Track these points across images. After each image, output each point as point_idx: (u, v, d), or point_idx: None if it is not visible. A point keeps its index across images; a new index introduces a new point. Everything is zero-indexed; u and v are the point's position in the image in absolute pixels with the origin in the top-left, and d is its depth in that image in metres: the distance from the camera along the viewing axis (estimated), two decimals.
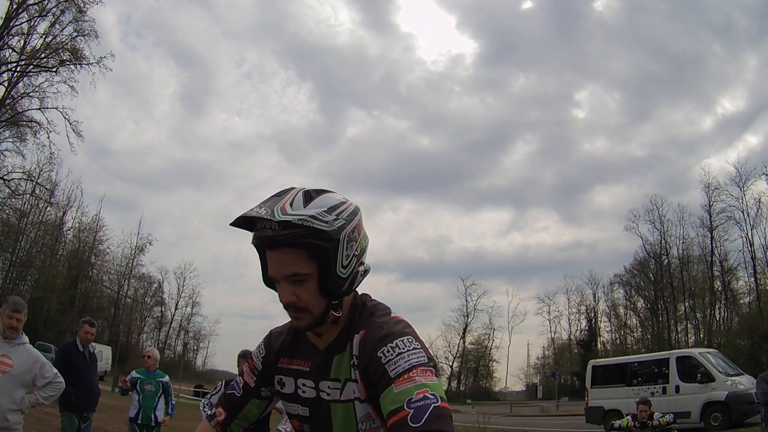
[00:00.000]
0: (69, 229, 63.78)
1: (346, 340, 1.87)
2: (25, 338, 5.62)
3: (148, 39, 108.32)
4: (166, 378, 9.48)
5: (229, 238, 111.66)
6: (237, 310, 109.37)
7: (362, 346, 1.80)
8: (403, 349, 1.70)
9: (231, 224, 1.82)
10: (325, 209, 1.73)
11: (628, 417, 9.94)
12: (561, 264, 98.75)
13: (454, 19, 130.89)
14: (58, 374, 5.82)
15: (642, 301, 62.10)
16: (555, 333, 71.48)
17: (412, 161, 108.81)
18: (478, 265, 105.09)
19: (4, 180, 39.87)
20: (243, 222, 1.80)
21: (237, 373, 7.68)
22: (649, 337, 58.86)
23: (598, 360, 25.61)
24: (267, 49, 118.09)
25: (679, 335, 56.34)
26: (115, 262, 67.29)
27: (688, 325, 57.69)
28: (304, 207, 1.71)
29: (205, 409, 7.42)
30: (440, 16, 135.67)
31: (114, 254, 67.06)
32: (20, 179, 41.16)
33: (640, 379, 20.31)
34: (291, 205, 1.71)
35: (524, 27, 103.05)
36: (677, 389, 18.73)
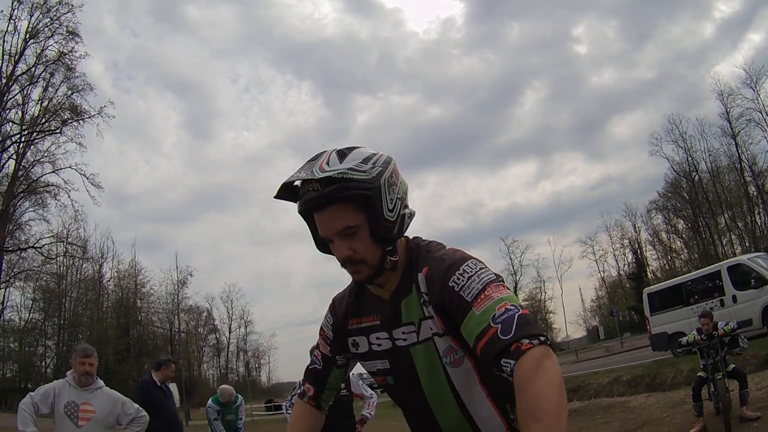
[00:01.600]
0: (109, 281, 64.68)
1: (410, 282, 1.93)
2: (101, 382, 5.75)
3: (139, 78, 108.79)
4: (240, 399, 9.84)
5: (266, 252, 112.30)
6: (289, 320, 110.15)
7: (429, 281, 1.86)
8: (471, 272, 1.78)
9: (275, 197, 1.89)
10: (360, 160, 1.80)
11: (694, 332, 10.03)
12: (595, 203, 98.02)
13: None
14: (140, 408, 5.94)
15: (682, 222, 61.59)
16: (604, 272, 71.16)
17: (427, 134, 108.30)
18: (515, 222, 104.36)
19: (36, 248, 40.38)
20: (286, 193, 1.88)
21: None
22: (696, 256, 58.38)
23: (652, 287, 25.50)
24: (259, 58, 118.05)
25: (725, 248, 55.88)
26: (161, 301, 68.02)
27: (732, 236, 57.24)
28: (340, 163, 1.79)
29: (289, 411, 7.64)
30: None
31: (158, 294, 67.80)
32: (51, 243, 41.69)
33: (696, 296, 20.30)
34: (327, 163, 1.78)
35: None
36: (734, 299, 18.69)
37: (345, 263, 1.90)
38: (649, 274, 63.17)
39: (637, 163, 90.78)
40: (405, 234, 1.97)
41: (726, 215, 56.62)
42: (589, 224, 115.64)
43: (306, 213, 1.88)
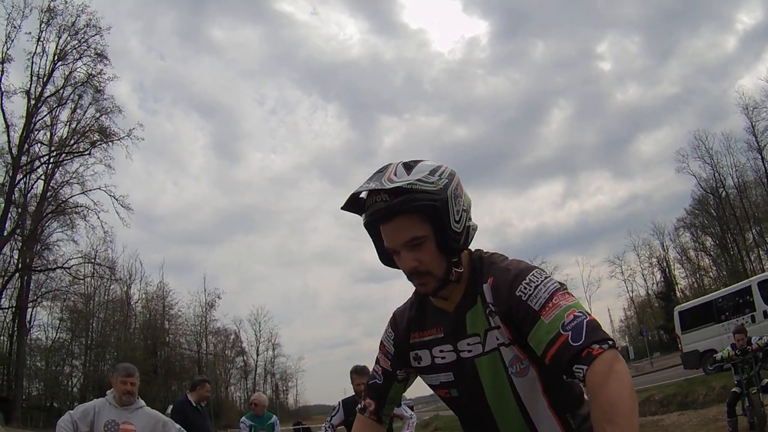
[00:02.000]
0: (137, 302, 64.82)
1: (474, 294, 1.94)
2: (142, 402, 5.70)
3: (165, 100, 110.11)
4: (274, 418, 9.68)
5: (293, 273, 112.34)
6: (318, 342, 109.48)
7: (495, 291, 1.88)
8: (538, 281, 1.81)
9: (342, 208, 1.91)
10: (428, 172, 1.83)
11: (728, 348, 9.93)
12: (623, 221, 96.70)
13: (459, 4, 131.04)
14: (182, 429, 5.94)
15: (710, 239, 60.72)
16: (632, 291, 70.13)
17: (454, 154, 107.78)
18: (544, 242, 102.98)
19: (64, 269, 40.71)
20: (352, 204, 1.90)
21: (333, 405, 7.88)
22: (725, 273, 57.54)
23: (683, 305, 25.24)
24: (285, 79, 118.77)
25: (754, 264, 55.09)
26: (189, 323, 68.15)
27: (760, 251, 56.33)
28: (408, 175, 1.81)
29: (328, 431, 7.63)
30: (445, 4, 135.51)
31: (186, 316, 67.92)
32: (79, 264, 42.09)
33: (727, 313, 20.04)
34: (395, 174, 1.81)
35: None
36: (765, 314, 18.37)
37: (411, 275, 1.91)
38: (677, 292, 62.46)
39: (663, 180, 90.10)
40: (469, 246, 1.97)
41: (754, 231, 55.84)
42: (617, 244, 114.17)
43: (372, 224, 1.89)
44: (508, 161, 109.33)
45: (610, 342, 1.63)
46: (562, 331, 1.66)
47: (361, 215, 1.89)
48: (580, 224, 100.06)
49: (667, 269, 66.20)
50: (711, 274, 61.79)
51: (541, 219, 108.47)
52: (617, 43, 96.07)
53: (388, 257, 1.97)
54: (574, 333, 1.65)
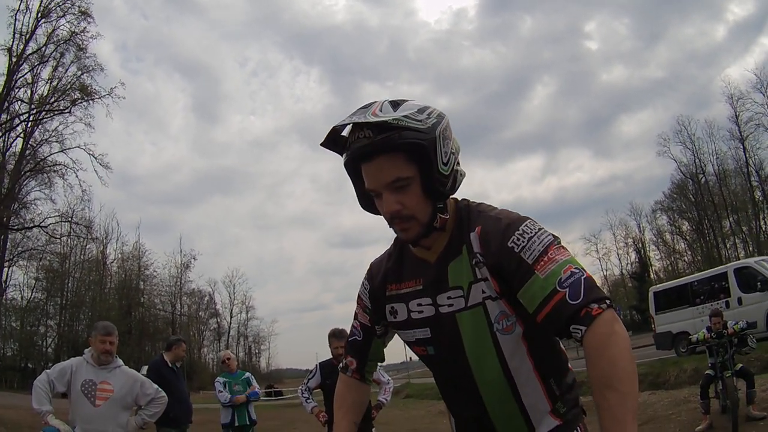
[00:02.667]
0: (112, 262, 64.85)
1: (460, 243, 1.82)
2: (120, 361, 5.65)
3: (148, 60, 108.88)
4: (248, 374, 9.71)
5: (269, 236, 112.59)
6: (291, 306, 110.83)
7: (484, 240, 1.76)
8: (531, 232, 1.70)
9: (321, 144, 1.78)
10: (415, 110, 1.69)
11: (704, 331, 10.06)
12: (601, 200, 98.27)
13: None
14: (160, 389, 5.86)
15: (687, 223, 61.19)
16: (607, 270, 70.75)
17: None
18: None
19: (41, 227, 40.15)
20: (332, 142, 1.78)
21: (305, 369, 7.91)
22: (699, 258, 58.16)
23: (658, 285, 25.65)
24: (268, 42, 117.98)
25: (729, 251, 55.67)
26: (164, 284, 68.34)
27: (736, 240, 56.95)
28: (393, 111, 1.68)
29: (304, 395, 7.63)
30: None
31: (161, 276, 68.06)
32: (56, 223, 41.51)
33: (702, 297, 20.30)
34: (380, 110, 1.68)
35: None
36: (740, 301, 18.65)
37: (393, 219, 1.77)
38: (652, 274, 63.14)
39: (643, 162, 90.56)
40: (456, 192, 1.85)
41: (731, 219, 56.47)
42: (594, 222, 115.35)
43: (353, 162, 1.74)
44: (490, 134, 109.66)
45: (608, 301, 1.57)
46: (558, 288, 1.57)
47: (341, 154, 1.78)
48: (557, 200, 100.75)
49: (642, 250, 66.81)
50: (686, 258, 62.49)
51: (519, 192, 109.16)
52: (606, 24, 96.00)
53: (368, 201, 1.84)
54: (572, 290, 1.56)
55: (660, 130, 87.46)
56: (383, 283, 2.00)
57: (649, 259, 65.98)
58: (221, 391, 9.20)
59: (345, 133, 1.76)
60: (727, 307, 18.52)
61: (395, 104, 1.72)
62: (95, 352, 5.44)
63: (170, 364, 8.08)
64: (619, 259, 69.91)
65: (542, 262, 1.63)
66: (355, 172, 1.79)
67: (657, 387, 16.38)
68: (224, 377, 9.41)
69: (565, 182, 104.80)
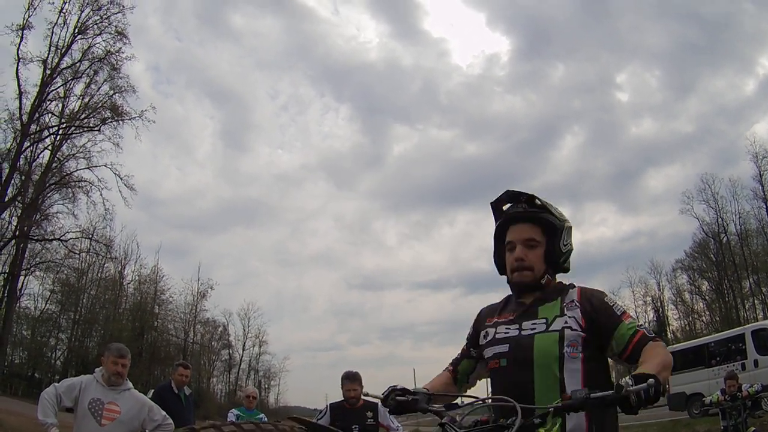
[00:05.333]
0: (129, 283, 64.54)
1: (556, 296, 2.61)
2: (130, 384, 5.66)
3: (179, 82, 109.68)
4: (262, 415, 9.54)
5: (289, 272, 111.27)
6: (305, 344, 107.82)
7: (585, 296, 2.60)
8: (614, 300, 2.64)
9: (491, 203, 2.79)
10: (556, 207, 2.67)
11: (718, 393, 9.91)
12: (623, 256, 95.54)
13: (483, 17, 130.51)
14: (167, 416, 5.86)
15: (706, 283, 60.26)
16: None
17: (463, 170, 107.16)
18: None
19: (61, 241, 40.63)
20: (498, 203, 2.77)
21: (313, 408, 7.79)
22: (717, 319, 57.37)
23: (674, 346, 25.38)
24: (300, 74, 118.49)
25: (748, 313, 54.88)
26: (179, 310, 67.84)
27: (755, 301, 56.20)
28: (542, 201, 2.65)
29: None
30: (469, 15, 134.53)
31: (177, 302, 67.53)
32: (76, 238, 41.86)
33: (717, 359, 20.04)
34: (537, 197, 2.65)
35: (554, 13, 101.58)
36: (756, 363, 18.39)
37: (517, 263, 2.63)
38: (669, 333, 62.17)
39: (669, 218, 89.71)
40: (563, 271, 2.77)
41: (751, 279, 55.66)
42: (615, 278, 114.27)
43: (506, 223, 2.70)
44: (517, 183, 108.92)
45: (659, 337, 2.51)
46: (639, 329, 2.52)
47: (497, 218, 2.77)
48: (580, 254, 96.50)
49: (660, 309, 65.85)
50: (704, 318, 61.44)
51: None
52: (637, 75, 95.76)
53: (501, 260, 2.76)
54: (646, 330, 2.51)
55: (687, 185, 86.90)
56: (486, 317, 2.81)
57: (667, 319, 65.02)
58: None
59: (505, 207, 2.77)
60: (743, 369, 18.24)
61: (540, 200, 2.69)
62: (106, 372, 5.46)
63: (176, 390, 8.02)
64: (637, 317, 67.90)
65: (625, 316, 2.56)
66: (500, 234, 2.75)
67: None
68: (239, 411, 9.35)
69: (589, 236, 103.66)
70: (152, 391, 8.86)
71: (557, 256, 2.62)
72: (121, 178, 39.08)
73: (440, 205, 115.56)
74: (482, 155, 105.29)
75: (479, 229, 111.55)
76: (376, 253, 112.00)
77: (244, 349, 76.36)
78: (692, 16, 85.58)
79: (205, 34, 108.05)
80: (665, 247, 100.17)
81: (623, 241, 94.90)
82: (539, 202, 2.62)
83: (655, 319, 65.70)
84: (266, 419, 9.42)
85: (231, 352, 76.04)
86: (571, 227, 2.69)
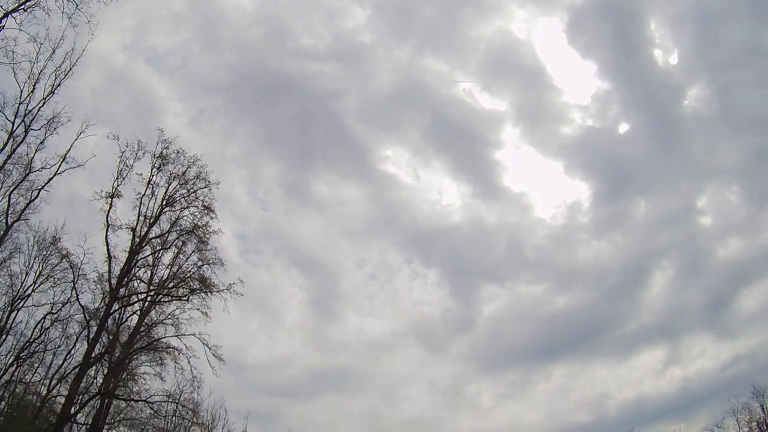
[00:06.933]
0: None
1: None
2: None
3: (266, 251, 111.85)
4: None
5: None
6: None
7: None
8: None
9: None
10: None
11: None
12: (726, 385, 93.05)
13: (561, 166, 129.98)
14: None
15: None
16: None
17: (556, 324, 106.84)
18: (642, 412, 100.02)
19: (147, 402, 40.13)
20: None
21: None
22: None
23: None
24: (387, 241, 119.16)
25: None
26: None
27: None
28: None
29: None
30: (547, 165, 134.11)
31: None
32: (162, 401, 41.20)
33: None
34: None
35: (628, 150, 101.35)
36: None
37: None
38: None
39: (766, 336, 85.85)
40: None
41: None
42: (719, 409, 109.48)
43: None
44: (611, 329, 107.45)
45: None
46: None
47: None
48: (681, 391, 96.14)
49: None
50: None
51: (642, 388, 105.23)
52: (717, 194, 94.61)
53: None
54: None
55: None
56: None
57: None
58: None
59: None
60: None
61: None
62: None
63: None
64: None
65: None
66: None
67: None
68: None
69: (689, 371, 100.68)
70: None
71: None
72: (209, 348, 39.08)
73: (535, 362, 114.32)
74: (574, 306, 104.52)
75: (576, 381, 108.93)
76: (471, 416, 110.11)
77: None
78: (762, 121, 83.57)
79: (291, 203, 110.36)
80: (766, 367, 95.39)
81: (724, 370, 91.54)
82: None
83: None
84: None
85: None
86: None
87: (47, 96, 35.57)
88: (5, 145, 34.96)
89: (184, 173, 40.54)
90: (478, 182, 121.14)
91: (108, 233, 37.32)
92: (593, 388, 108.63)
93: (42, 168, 36.39)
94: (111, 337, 39.64)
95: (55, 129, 36.18)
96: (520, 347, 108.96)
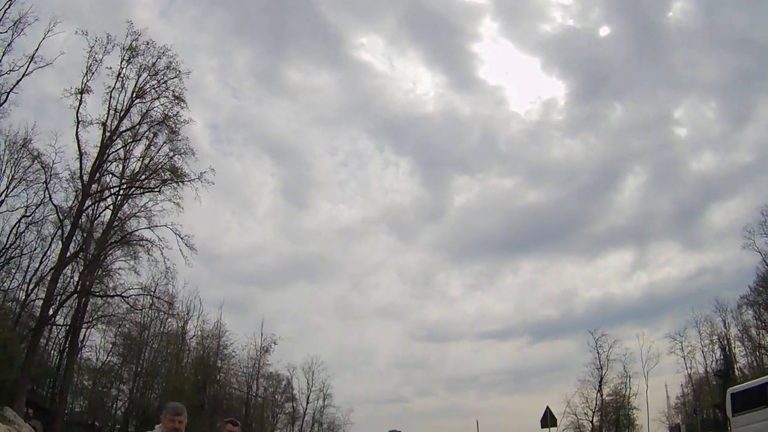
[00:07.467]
0: (192, 338, 65.15)
1: None
2: None
3: (237, 140, 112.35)
4: None
5: (352, 326, 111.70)
6: (369, 396, 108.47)
7: None
8: None
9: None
10: None
11: None
12: (689, 295, 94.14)
13: (538, 62, 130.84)
14: None
15: None
16: (691, 369, 67.61)
17: (526, 219, 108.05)
18: (608, 313, 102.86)
19: (122, 297, 41.46)
20: None
21: None
22: None
23: (736, 387, 24.52)
24: (359, 129, 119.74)
25: None
26: (242, 365, 68.31)
27: None
28: None
29: None
30: (524, 61, 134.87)
31: (240, 357, 68.03)
32: (138, 295, 42.59)
33: None
34: None
35: (608, 53, 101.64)
36: None
37: None
38: (736, 371, 60.15)
39: (733, 253, 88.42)
40: None
41: None
42: (682, 318, 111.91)
43: None
44: (579, 228, 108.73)
45: None
46: None
47: None
48: (646, 296, 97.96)
49: (727, 347, 63.81)
50: None
51: (608, 289, 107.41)
52: (694, 108, 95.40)
53: None
54: None
55: (750, 218, 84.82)
56: None
57: (734, 357, 62.97)
58: None
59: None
60: None
61: None
62: (165, 429, 5.80)
63: None
64: (704, 357, 66.23)
65: None
66: None
67: None
68: None
69: (654, 277, 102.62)
70: None
71: None
72: (182, 238, 39.76)
73: (504, 255, 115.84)
74: (544, 202, 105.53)
75: (543, 276, 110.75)
76: (439, 305, 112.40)
77: (308, 402, 76.84)
78: (745, 43, 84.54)
79: (262, 91, 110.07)
80: (731, 283, 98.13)
81: (689, 280, 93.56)
82: None
83: (721, 357, 63.85)
84: None
85: (294, 405, 76.71)
86: None
87: None
88: None
89: (154, 64, 40.13)
90: (454, 73, 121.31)
91: (78, 130, 37.43)
92: (560, 285, 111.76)
93: (10, 71, 35.60)
94: (85, 235, 40.11)
95: (22, 30, 35.46)
96: (489, 239, 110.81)
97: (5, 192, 42.35)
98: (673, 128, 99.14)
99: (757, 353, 60.82)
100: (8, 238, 43.68)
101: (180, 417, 5.83)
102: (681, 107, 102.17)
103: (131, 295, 41.68)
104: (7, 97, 36.10)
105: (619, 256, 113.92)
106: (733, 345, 63.60)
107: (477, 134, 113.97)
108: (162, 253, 39.67)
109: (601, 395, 72.05)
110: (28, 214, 43.83)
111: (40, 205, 43.23)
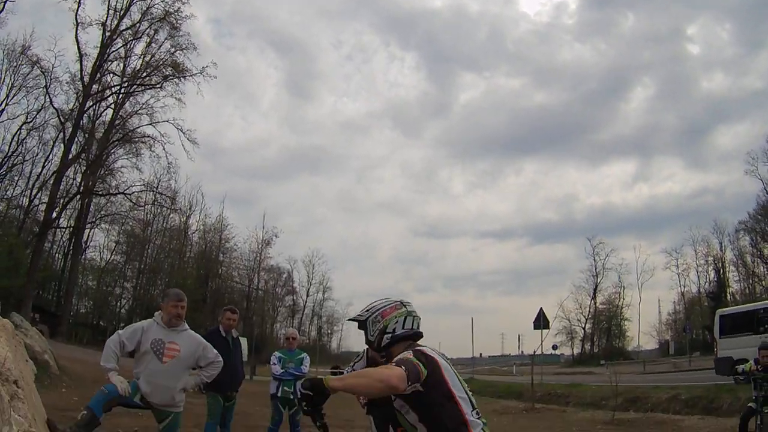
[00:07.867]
0: (194, 233, 66.41)
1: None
2: (187, 325, 6.25)
3: (240, 33, 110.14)
4: (304, 354, 9.67)
5: (354, 220, 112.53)
6: (369, 291, 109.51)
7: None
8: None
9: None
10: (366, 309, 3.51)
11: (751, 362, 9.87)
12: (689, 213, 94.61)
13: None
14: (218, 354, 6.46)
15: None
16: (684, 287, 68.60)
17: (531, 120, 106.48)
18: (607, 222, 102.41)
19: (125, 195, 41.94)
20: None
21: None
22: None
23: (725, 309, 24.94)
24: (365, 22, 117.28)
25: None
26: (243, 258, 69.08)
27: None
28: (361, 311, 3.53)
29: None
30: None
31: (241, 250, 68.78)
32: (140, 191, 42.74)
33: (766, 326, 19.66)
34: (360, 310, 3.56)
35: None
36: None
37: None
38: (728, 295, 60.93)
39: (736, 177, 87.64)
40: (391, 346, 3.39)
41: None
42: (679, 235, 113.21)
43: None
44: (584, 134, 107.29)
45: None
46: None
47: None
48: (647, 208, 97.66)
49: (721, 270, 64.54)
50: (764, 282, 60.05)
51: (609, 197, 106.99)
52: (708, 27, 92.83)
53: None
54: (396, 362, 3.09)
55: (756, 144, 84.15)
56: None
57: (727, 280, 63.75)
58: (275, 364, 9.50)
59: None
60: None
61: (368, 307, 3.54)
62: (167, 315, 6.05)
63: (224, 334, 8.38)
64: (698, 277, 67.30)
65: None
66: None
67: (709, 412, 16.07)
68: (281, 353, 9.62)
69: (656, 191, 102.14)
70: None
71: (370, 343, 3.47)
72: (184, 133, 39.96)
73: (507, 154, 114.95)
74: (551, 104, 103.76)
75: (547, 179, 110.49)
76: (441, 201, 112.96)
77: (307, 295, 78.35)
78: None
79: None
80: (731, 206, 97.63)
81: (690, 198, 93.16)
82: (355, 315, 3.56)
83: (715, 279, 64.48)
84: (308, 359, 9.70)
85: (295, 298, 78.05)
86: (377, 316, 3.43)
87: None
88: None
89: None
90: None
91: (78, 31, 36.91)
92: (562, 189, 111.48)
93: None
94: (87, 135, 40.08)
95: None
96: (493, 138, 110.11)
97: (5, 101, 42.88)
98: (685, 44, 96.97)
99: (750, 280, 61.54)
100: (10, 146, 44.58)
101: (182, 302, 6.10)
102: (694, 25, 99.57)
103: (134, 192, 42.01)
104: (4, 6, 35.94)
105: (622, 166, 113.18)
106: (727, 269, 64.33)
107: (485, 32, 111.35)
108: (164, 149, 40.06)
109: (595, 303, 73.61)
110: (29, 120, 44.48)
111: (40, 110, 43.89)
